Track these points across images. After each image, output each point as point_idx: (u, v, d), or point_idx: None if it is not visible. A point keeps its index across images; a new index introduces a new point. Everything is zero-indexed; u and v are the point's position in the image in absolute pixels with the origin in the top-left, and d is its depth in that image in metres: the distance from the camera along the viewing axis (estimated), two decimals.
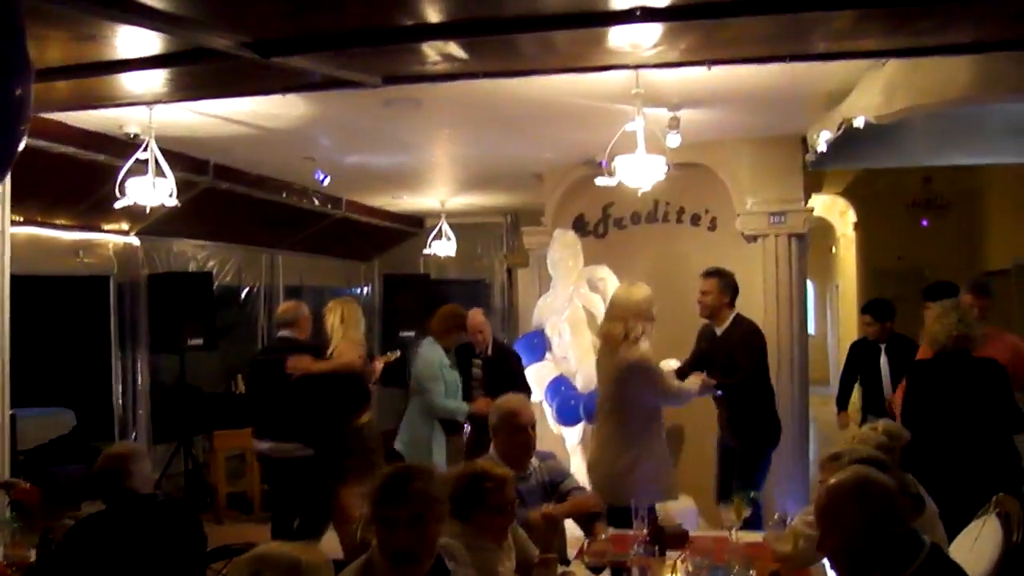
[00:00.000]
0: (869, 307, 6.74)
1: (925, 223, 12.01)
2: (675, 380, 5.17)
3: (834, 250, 16.06)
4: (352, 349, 5.83)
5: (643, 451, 4.85)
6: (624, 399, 4.92)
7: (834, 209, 14.01)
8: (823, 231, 14.92)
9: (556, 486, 3.99)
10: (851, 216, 13.87)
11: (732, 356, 5.35)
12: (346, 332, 5.86)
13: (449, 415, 6.23)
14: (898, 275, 12.03)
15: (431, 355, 6.30)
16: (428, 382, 6.21)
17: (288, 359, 5.70)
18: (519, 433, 3.86)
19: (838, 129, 5.13)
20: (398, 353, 7.27)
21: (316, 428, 5.75)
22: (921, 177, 11.39)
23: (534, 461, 3.98)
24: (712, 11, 3.09)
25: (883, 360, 6.43)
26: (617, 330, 4.90)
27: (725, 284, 5.48)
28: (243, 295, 9.29)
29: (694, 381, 5.21)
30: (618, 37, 3.47)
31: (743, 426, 5.40)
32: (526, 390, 6.41)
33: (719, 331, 5.47)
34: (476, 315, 6.52)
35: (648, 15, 3.05)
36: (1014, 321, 8.11)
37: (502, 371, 6.38)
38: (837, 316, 16.24)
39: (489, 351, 6.47)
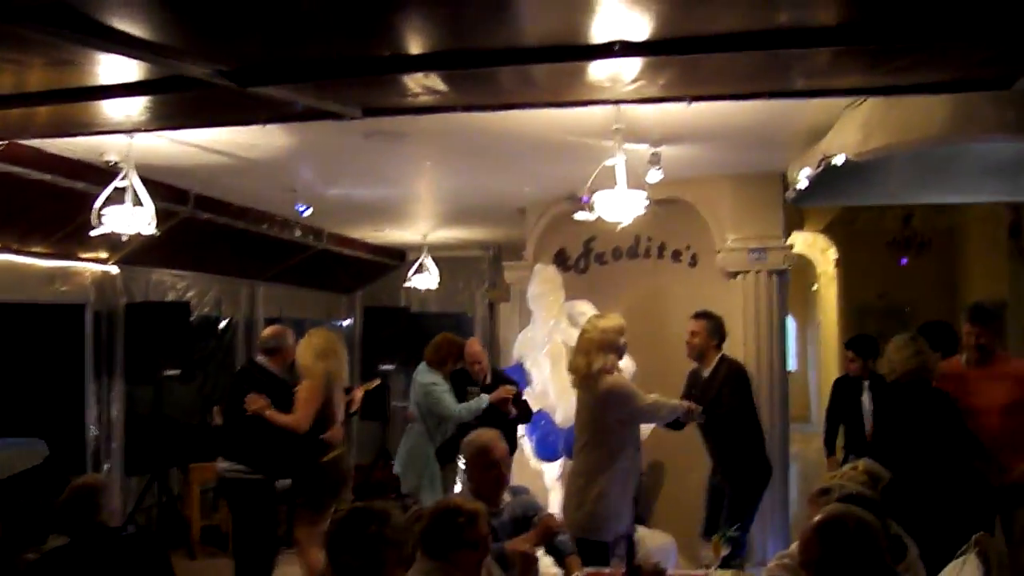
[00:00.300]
0: (853, 343, 6.73)
1: (904, 261, 12.07)
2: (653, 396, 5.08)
3: (815, 287, 16.12)
4: (312, 394, 5.58)
5: (610, 483, 4.81)
6: (601, 429, 4.88)
7: (815, 246, 14.08)
8: (804, 268, 14.98)
9: (529, 520, 3.96)
10: (832, 253, 13.93)
11: (719, 395, 5.32)
12: (311, 367, 5.65)
13: (470, 416, 6.03)
14: (879, 313, 12.08)
15: (430, 378, 6.21)
16: (436, 398, 6.08)
17: (249, 394, 5.57)
18: (491, 469, 3.87)
19: (818, 166, 5.15)
20: (378, 381, 7.19)
21: (269, 461, 5.63)
22: (901, 215, 11.47)
23: (507, 496, 3.97)
24: (691, 47, 3.10)
25: (865, 397, 6.39)
26: (581, 364, 4.91)
27: (714, 326, 5.49)
28: (222, 326, 9.21)
29: (680, 401, 5.15)
30: (598, 71, 3.47)
31: (734, 467, 5.35)
32: (528, 416, 6.36)
33: (705, 373, 5.47)
34: (474, 344, 6.46)
35: (627, 49, 3.06)
36: None
37: None
38: (818, 353, 16.27)
39: (488, 379, 6.39)
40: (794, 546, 3.32)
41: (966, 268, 11.60)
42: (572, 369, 5.02)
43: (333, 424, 5.72)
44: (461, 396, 6.31)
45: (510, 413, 6.10)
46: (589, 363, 4.86)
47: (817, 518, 2.49)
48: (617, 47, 3.02)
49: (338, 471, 5.75)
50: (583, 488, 4.82)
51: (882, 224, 11.95)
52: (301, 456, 5.60)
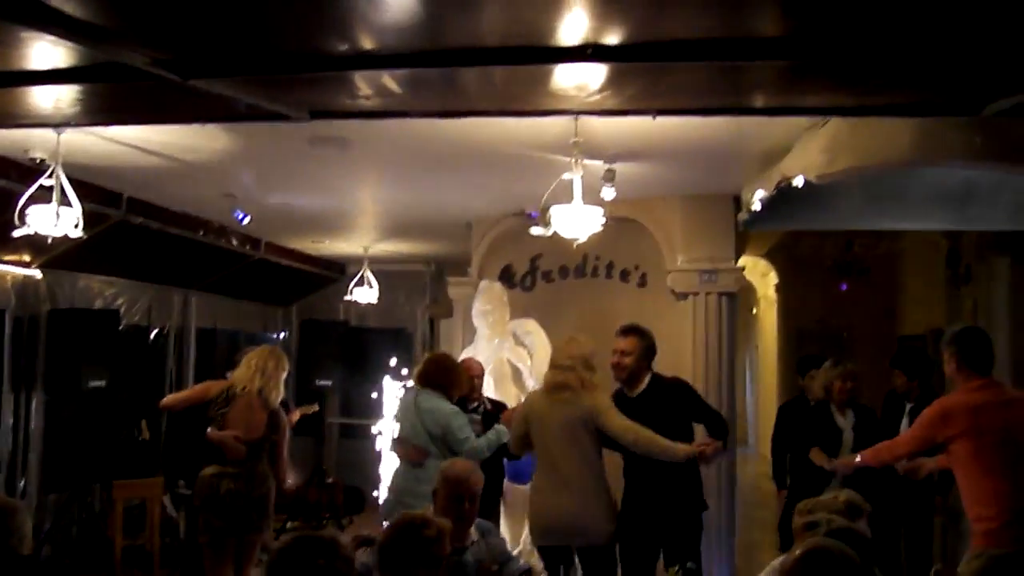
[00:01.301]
0: (802, 363, 6.67)
1: (844, 287, 12.18)
2: (643, 430, 4.75)
3: (755, 311, 16.23)
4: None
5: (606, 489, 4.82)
6: (591, 443, 4.76)
7: (756, 271, 14.15)
8: (744, 292, 15.03)
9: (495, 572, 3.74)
10: (773, 278, 14.04)
11: (658, 417, 4.99)
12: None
13: (496, 446, 5.38)
14: (818, 338, 12.16)
15: (446, 405, 5.42)
16: (462, 431, 5.32)
17: None
18: (458, 503, 3.70)
19: (775, 188, 5.07)
20: (316, 407, 6.92)
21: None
22: (842, 241, 11.57)
23: (474, 534, 3.77)
24: (664, 53, 2.96)
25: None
26: (572, 379, 4.76)
27: (647, 345, 5.02)
28: (152, 336, 8.84)
29: (684, 448, 4.74)
30: (564, 78, 3.32)
31: (681, 490, 5.03)
32: None
33: (633, 393, 5.00)
34: (471, 361, 6.11)
35: (599, 54, 2.91)
36: None
37: None
38: (756, 377, 16.37)
39: (488, 405, 6.04)
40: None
41: (903, 296, 11.74)
42: (561, 384, 4.80)
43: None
44: None
45: None
46: (580, 378, 4.79)
47: (801, 549, 2.37)
48: (590, 51, 2.87)
49: (214, 494, 5.35)
50: (595, 500, 4.78)
51: (823, 249, 12.03)
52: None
